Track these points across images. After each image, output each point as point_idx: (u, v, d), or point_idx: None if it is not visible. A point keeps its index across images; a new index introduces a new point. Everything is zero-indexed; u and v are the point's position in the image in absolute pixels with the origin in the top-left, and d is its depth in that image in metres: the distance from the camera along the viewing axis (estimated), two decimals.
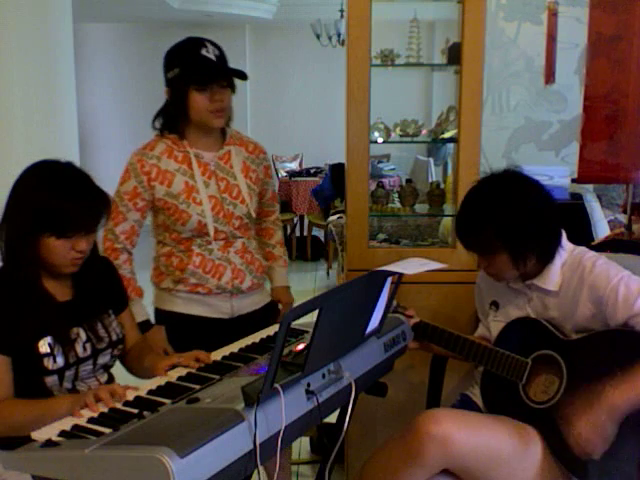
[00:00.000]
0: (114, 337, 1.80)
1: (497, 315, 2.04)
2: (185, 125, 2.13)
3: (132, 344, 1.90)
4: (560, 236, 1.91)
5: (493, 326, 2.05)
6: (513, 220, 1.83)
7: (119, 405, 1.46)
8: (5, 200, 1.68)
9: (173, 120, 2.13)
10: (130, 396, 1.50)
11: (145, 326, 2.15)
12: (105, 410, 1.44)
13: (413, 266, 1.67)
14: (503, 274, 1.92)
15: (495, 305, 2.05)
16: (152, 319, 2.23)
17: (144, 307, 2.19)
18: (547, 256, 1.89)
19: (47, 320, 1.65)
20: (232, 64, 2.13)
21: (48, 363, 1.63)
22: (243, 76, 2.08)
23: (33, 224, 1.62)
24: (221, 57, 2.07)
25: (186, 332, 2.18)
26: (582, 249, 1.93)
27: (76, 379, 1.71)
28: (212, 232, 2.11)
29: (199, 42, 2.05)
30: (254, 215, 2.22)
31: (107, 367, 1.82)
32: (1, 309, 1.62)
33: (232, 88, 2.11)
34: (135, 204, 2.13)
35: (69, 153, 1.79)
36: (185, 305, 2.19)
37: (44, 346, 1.63)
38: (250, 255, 2.23)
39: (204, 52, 2.02)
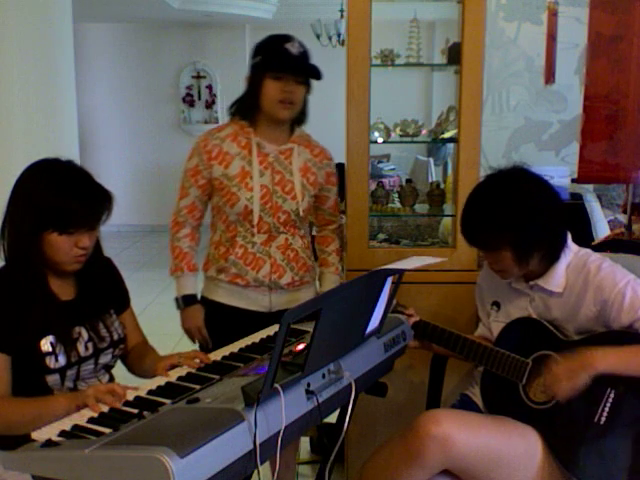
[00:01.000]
0: (115, 337, 1.80)
1: (498, 315, 2.04)
2: (256, 114, 2.19)
3: (134, 344, 1.90)
4: (566, 236, 1.91)
5: (494, 326, 2.04)
6: (518, 217, 1.82)
7: (119, 405, 1.46)
8: (7, 199, 1.69)
9: (246, 106, 2.21)
10: (130, 396, 1.50)
11: (189, 300, 2.25)
12: (105, 410, 1.44)
13: (413, 262, 1.68)
14: (508, 271, 1.91)
15: (496, 305, 2.04)
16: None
17: (193, 282, 2.28)
18: (553, 255, 1.88)
19: (50, 319, 1.65)
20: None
21: (50, 362, 1.63)
22: (318, 75, 2.16)
23: (35, 221, 1.62)
24: (304, 55, 2.15)
25: (226, 322, 2.24)
26: (587, 251, 1.93)
27: (77, 379, 1.71)
28: (256, 220, 2.16)
29: (287, 37, 2.15)
30: (302, 214, 2.23)
31: (108, 367, 1.82)
32: (4, 307, 1.62)
33: (307, 87, 2.19)
34: (196, 181, 2.22)
35: (69, 153, 1.79)
36: (226, 296, 2.25)
37: (46, 345, 1.63)
38: (294, 253, 2.24)
39: (288, 46, 2.12)
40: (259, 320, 2.19)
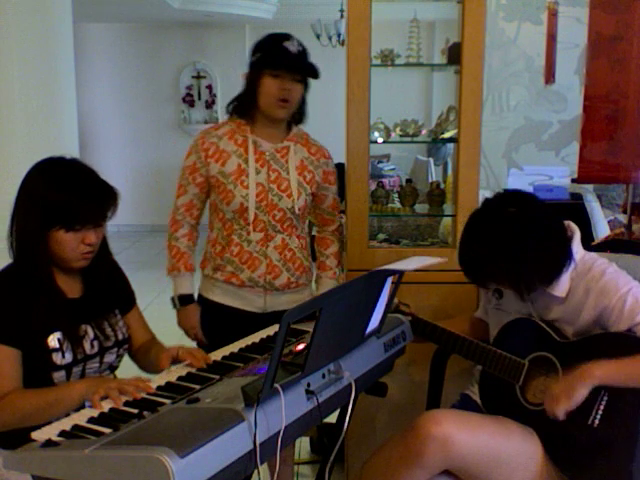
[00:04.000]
0: (120, 337, 1.82)
1: (499, 304, 2.03)
2: (253, 112, 2.20)
3: (141, 342, 1.92)
4: (568, 253, 1.87)
5: (492, 314, 2.05)
6: (512, 261, 1.80)
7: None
8: (8, 198, 1.70)
9: (244, 104, 2.22)
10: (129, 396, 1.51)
11: (185, 299, 2.27)
12: (105, 410, 1.44)
13: (413, 263, 1.68)
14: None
15: (498, 293, 2.02)
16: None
17: (190, 282, 2.29)
18: (552, 276, 1.86)
19: (57, 316, 1.67)
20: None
21: (57, 358, 1.64)
22: (315, 74, 2.17)
23: (42, 219, 1.64)
24: (302, 53, 2.16)
25: (221, 321, 2.26)
26: (592, 256, 1.91)
27: (83, 376, 1.72)
28: (252, 218, 2.17)
29: (286, 36, 2.15)
30: (298, 212, 2.23)
31: (113, 367, 1.83)
32: (13, 303, 1.64)
33: (305, 85, 2.18)
34: (194, 179, 2.23)
35: (69, 153, 1.80)
36: (222, 295, 2.26)
37: (53, 341, 1.65)
38: (291, 253, 2.24)
39: (287, 44, 2.12)
40: (253, 320, 2.21)
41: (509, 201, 1.87)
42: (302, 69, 2.15)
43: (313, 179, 2.26)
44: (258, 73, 2.14)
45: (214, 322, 2.27)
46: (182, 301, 2.27)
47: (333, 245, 2.41)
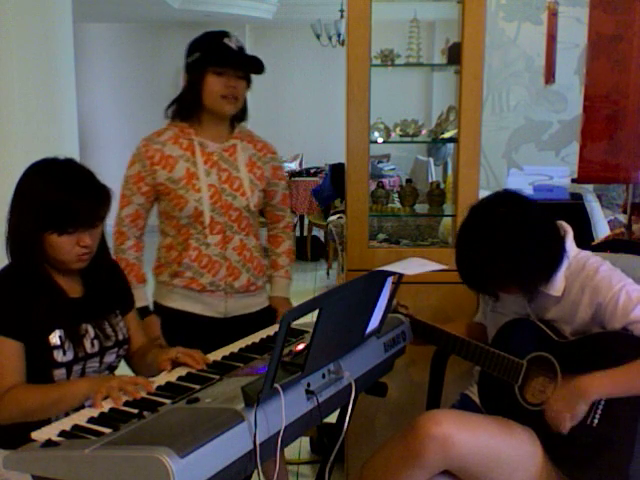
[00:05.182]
0: (120, 337, 1.82)
1: (496, 306, 2.03)
2: (197, 112, 2.17)
3: (138, 346, 1.91)
4: (561, 253, 1.87)
5: (490, 317, 2.05)
6: (509, 261, 1.80)
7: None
8: (7, 199, 1.70)
9: (186, 106, 2.18)
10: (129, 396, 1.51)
11: (143, 312, 2.18)
12: (105, 410, 1.44)
13: (413, 266, 1.67)
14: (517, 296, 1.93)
15: (495, 296, 2.03)
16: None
17: (145, 293, 2.22)
18: (549, 274, 1.87)
19: (59, 313, 1.67)
20: None
21: (58, 356, 1.65)
22: (260, 68, 2.14)
23: (35, 222, 1.63)
24: (242, 49, 2.14)
25: (181, 329, 2.20)
26: (586, 254, 1.91)
27: (83, 375, 1.72)
28: (207, 221, 2.13)
29: (223, 33, 2.13)
30: (254, 209, 2.21)
31: (112, 368, 1.83)
32: (15, 301, 1.64)
33: (248, 81, 2.16)
34: (139, 188, 2.18)
35: (69, 153, 1.79)
36: (181, 301, 2.21)
37: (55, 338, 1.65)
38: (249, 253, 2.22)
39: (226, 41, 2.10)
40: (214, 326, 2.18)
41: (497, 202, 1.88)
42: (246, 65, 2.13)
43: (263, 175, 2.24)
44: (201, 72, 2.10)
45: (173, 329, 2.20)
46: (139, 314, 2.15)
47: (284, 243, 2.38)
